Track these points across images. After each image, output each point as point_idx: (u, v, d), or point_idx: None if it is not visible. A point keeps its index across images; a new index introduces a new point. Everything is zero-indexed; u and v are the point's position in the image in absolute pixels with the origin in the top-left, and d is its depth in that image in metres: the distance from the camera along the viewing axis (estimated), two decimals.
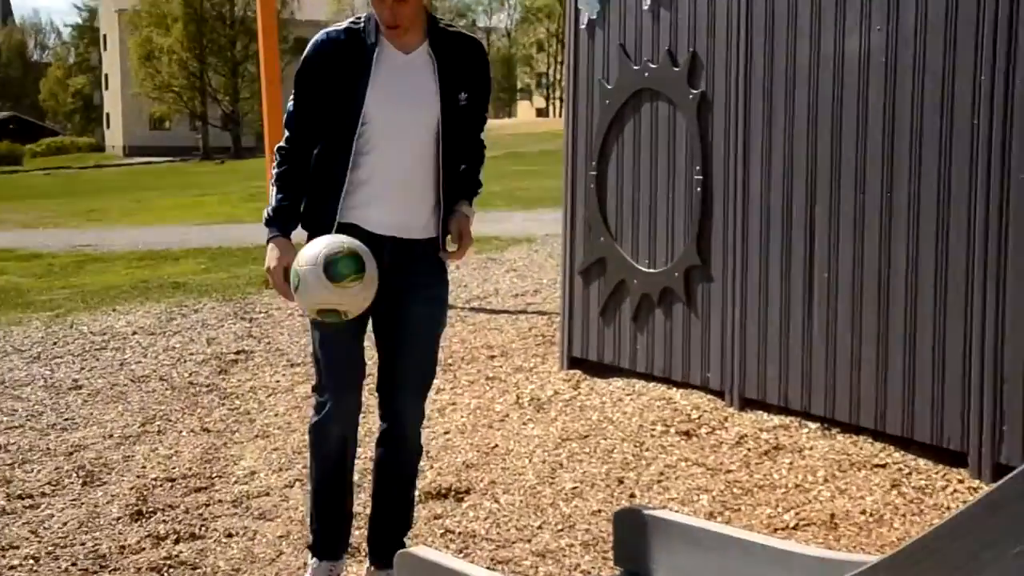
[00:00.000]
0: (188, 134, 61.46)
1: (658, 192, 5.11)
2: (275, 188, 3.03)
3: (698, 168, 4.87)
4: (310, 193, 3.04)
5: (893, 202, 4.11)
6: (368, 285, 2.75)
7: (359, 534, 3.49)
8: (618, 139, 5.30)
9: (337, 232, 2.91)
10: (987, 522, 1.23)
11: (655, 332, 5.17)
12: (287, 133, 3.04)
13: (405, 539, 3.21)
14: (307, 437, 3.17)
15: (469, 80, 3.05)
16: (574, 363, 5.61)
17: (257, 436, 4.78)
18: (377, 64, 2.94)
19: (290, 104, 3.03)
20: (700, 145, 4.85)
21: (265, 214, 3.02)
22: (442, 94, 2.97)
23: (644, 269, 5.19)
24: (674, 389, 5.02)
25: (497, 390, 5.35)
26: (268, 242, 2.99)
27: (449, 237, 3.11)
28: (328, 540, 3.13)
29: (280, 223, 2.99)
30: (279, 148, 3.04)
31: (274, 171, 3.05)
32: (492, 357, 6.05)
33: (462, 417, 4.93)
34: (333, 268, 2.69)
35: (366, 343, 3.07)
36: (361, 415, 3.14)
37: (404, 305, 3.02)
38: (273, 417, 5.07)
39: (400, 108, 2.96)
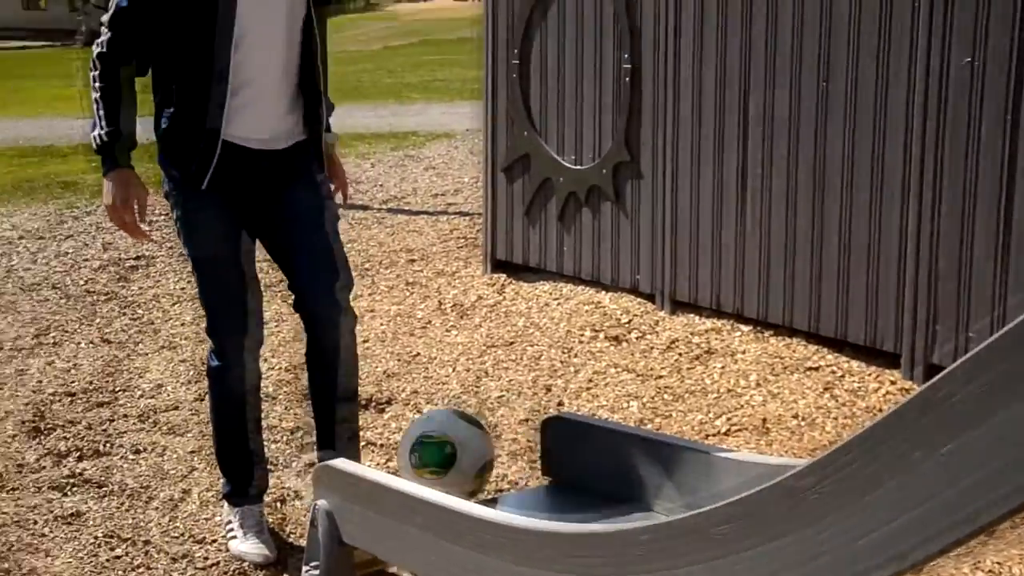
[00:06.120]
0: (68, 16, 59.23)
1: (584, 82, 5.12)
2: (102, 107, 2.77)
3: (626, 56, 4.89)
4: (175, 110, 2.84)
5: (829, 94, 4.19)
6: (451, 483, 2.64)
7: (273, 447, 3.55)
8: (541, 24, 5.28)
9: (220, 152, 2.82)
10: (918, 423, 1.31)
11: (582, 233, 5.24)
12: (109, 35, 2.77)
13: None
14: (207, 381, 3.12)
15: None
16: (498, 266, 5.67)
17: (163, 347, 4.77)
18: None
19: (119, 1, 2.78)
20: (628, 31, 4.87)
21: (95, 140, 2.78)
22: None
23: (570, 166, 5.23)
24: (603, 293, 5.11)
25: (418, 296, 5.40)
26: (107, 175, 2.79)
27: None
28: (241, 484, 3.09)
29: (119, 152, 2.79)
30: (100, 55, 2.77)
31: (97, 84, 2.78)
32: (412, 261, 6.08)
33: (381, 324, 4.97)
34: (418, 453, 2.67)
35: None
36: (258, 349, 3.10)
37: (282, 198, 2.95)
38: (179, 327, 5.05)
39: (272, 3, 2.84)
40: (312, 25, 2.95)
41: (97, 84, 2.79)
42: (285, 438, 3.79)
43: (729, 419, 3.80)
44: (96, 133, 2.79)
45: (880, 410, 3.82)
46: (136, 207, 2.84)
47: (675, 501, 2.45)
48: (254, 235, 3.01)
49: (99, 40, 2.79)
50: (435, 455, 2.66)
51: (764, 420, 3.77)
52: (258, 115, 2.89)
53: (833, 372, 4.13)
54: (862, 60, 4.07)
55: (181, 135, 2.87)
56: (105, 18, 2.79)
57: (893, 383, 4.00)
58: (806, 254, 4.35)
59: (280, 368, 4.40)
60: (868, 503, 1.36)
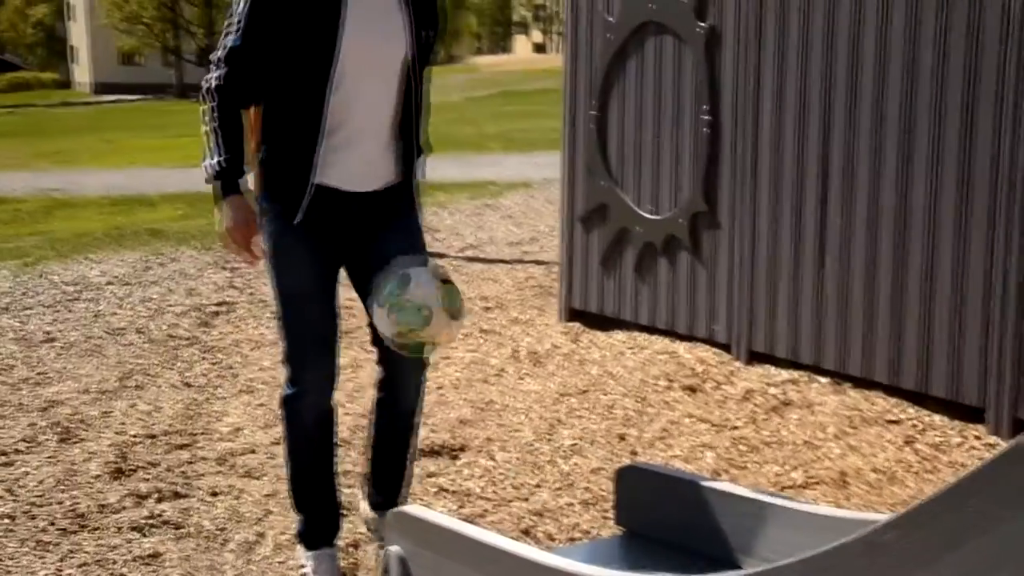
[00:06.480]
0: (162, 70, 60.96)
1: (663, 133, 5.11)
2: (221, 136, 2.83)
3: (706, 108, 4.87)
4: (271, 146, 2.91)
5: (913, 143, 4.12)
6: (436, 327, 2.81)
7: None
8: (621, 77, 5.29)
9: (313, 192, 2.85)
10: (1006, 479, 1.25)
11: (659, 282, 5.20)
12: (225, 69, 2.84)
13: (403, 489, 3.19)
14: (280, 412, 3.07)
15: (433, 16, 3.01)
16: (573, 315, 5.64)
17: (241, 391, 4.82)
18: None
19: (232, 38, 2.83)
20: (708, 83, 4.85)
21: (212, 167, 2.83)
22: (415, 29, 2.91)
23: (648, 216, 5.20)
24: (678, 342, 5.06)
25: (493, 343, 5.39)
26: (225, 199, 2.84)
27: None
28: (319, 526, 3.09)
29: (235, 180, 2.85)
30: (219, 88, 2.84)
31: (215, 115, 2.84)
32: (487, 309, 6.09)
33: (456, 372, 4.96)
34: (396, 316, 2.77)
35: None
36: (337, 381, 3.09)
37: (375, 243, 2.96)
38: (258, 372, 5.10)
39: (376, 46, 2.86)
40: (414, 70, 2.96)
41: (216, 115, 2.85)
42: (361, 483, 3.78)
43: (806, 472, 3.71)
44: (216, 160, 2.82)
45: (964, 465, 3.70)
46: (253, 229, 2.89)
47: (750, 554, 2.38)
48: (348, 275, 3.03)
49: (216, 74, 2.85)
50: (412, 316, 2.76)
51: (842, 474, 3.67)
52: (353, 157, 2.91)
53: (914, 426, 4.02)
54: (947, 109, 4.00)
55: (276, 171, 2.92)
56: (220, 55, 2.85)
57: (978, 438, 3.88)
58: (887, 305, 4.26)
59: (356, 414, 4.41)
60: (952, 561, 1.31)
